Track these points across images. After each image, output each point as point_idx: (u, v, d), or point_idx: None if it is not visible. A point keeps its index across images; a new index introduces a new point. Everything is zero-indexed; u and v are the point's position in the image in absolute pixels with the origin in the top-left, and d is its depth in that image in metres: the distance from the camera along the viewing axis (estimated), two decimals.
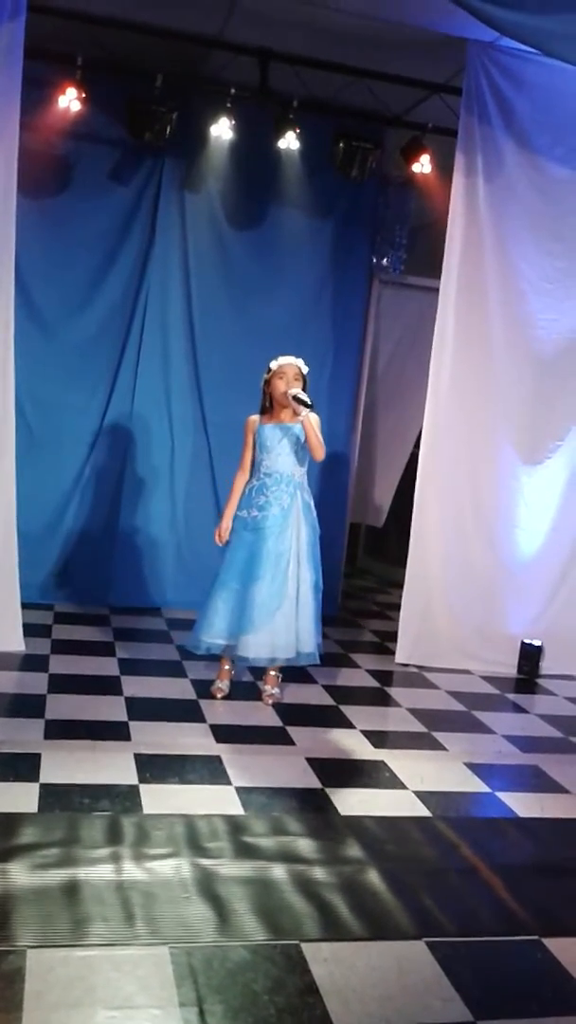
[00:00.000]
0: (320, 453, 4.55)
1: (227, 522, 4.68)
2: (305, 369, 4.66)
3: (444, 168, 6.07)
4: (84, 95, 5.65)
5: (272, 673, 4.84)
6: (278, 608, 4.51)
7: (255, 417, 4.74)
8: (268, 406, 4.69)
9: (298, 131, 6.06)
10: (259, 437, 4.66)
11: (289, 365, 4.61)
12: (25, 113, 5.05)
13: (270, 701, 4.77)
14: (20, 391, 5.31)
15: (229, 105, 5.92)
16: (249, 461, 4.72)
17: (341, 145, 6.13)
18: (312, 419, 4.53)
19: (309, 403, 4.50)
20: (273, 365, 4.65)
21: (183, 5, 5.31)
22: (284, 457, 4.61)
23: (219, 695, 4.75)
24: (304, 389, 4.60)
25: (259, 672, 4.95)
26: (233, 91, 5.89)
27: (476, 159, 5.63)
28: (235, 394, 6.54)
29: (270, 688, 4.82)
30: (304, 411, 4.48)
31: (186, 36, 5.66)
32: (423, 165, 6.28)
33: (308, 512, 4.67)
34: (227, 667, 4.82)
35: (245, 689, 4.96)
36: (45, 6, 5.11)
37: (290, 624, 4.55)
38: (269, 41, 5.72)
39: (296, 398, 4.50)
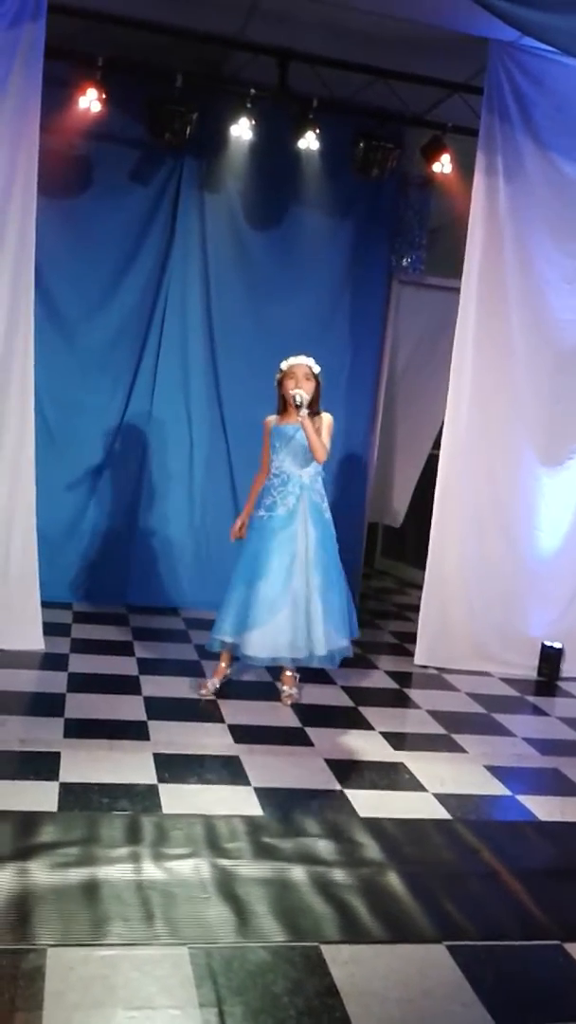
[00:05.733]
0: (320, 454, 4.52)
1: (241, 519, 4.78)
2: (316, 369, 4.64)
3: (464, 168, 6.05)
4: (104, 95, 5.66)
5: (288, 673, 4.83)
6: (280, 608, 4.48)
7: (272, 418, 4.76)
8: (282, 407, 4.69)
9: (318, 131, 6.05)
10: (272, 438, 4.69)
11: (299, 365, 4.62)
12: (45, 113, 5.08)
13: (288, 701, 4.77)
14: (40, 391, 5.33)
15: (249, 105, 5.92)
16: (267, 461, 4.73)
17: (361, 145, 6.12)
18: (325, 419, 4.57)
19: (298, 403, 4.48)
20: (284, 366, 4.66)
21: (203, 5, 5.31)
22: (291, 458, 4.62)
23: (203, 691, 4.71)
24: (317, 389, 4.60)
25: (277, 672, 4.94)
26: (253, 91, 5.89)
27: (496, 159, 5.61)
28: (253, 394, 6.54)
29: (288, 688, 4.82)
30: (303, 411, 4.47)
31: (206, 36, 5.67)
32: (443, 165, 6.26)
33: (317, 513, 4.63)
34: (223, 665, 4.79)
35: (263, 689, 4.95)
36: (66, 6, 5.12)
37: (297, 625, 4.51)
38: (289, 41, 5.71)
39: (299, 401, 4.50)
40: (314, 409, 4.59)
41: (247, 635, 4.51)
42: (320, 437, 4.52)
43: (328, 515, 4.71)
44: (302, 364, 4.62)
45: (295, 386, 4.55)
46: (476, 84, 5.76)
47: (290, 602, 4.51)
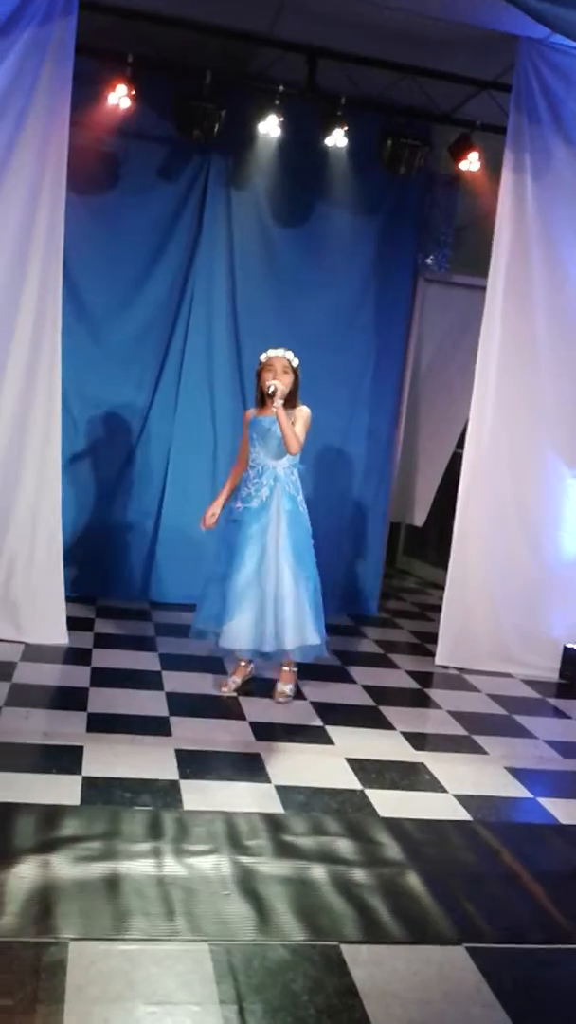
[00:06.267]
0: (293, 446, 4.50)
1: (210, 509, 4.77)
2: (295, 363, 4.62)
3: (491, 166, 6.01)
4: (133, 92, 5.67)
5: (286, 669, 4.80)
6: (250, 600, 4.48)
7: (251, 410, 4.77)
8: (260, 399, 4.69)
9: (345, 128, 6.03)
10: (250, 430, 4.70)
11: (277, 358, 4.60)
12: (75, 110, 5.09)
13: (282, 699, 4.72)
14: (66, 387, 5.35)
15: (277, 102, 5.91)
16: (244, 454, 4.74)
17: (389, 143, 6.10)
18: (302, 412, 4.59)
19: (271, 393, 4.49)
20: (262, 358, 4.65)
21: (233, 2, 5.31)
22: (266, 450, 4.62)
23: (224, 689, 4.74)
24: (296, 382, 4.60)
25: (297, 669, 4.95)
26: (281, 88, 5.87)
27: (525, 157, 5.57)
28: None
29: (282, 685, 4.78)
30: (278, 403, 4.46)
31: (235, 33, 5.67)
32: (471, 163, 6.23)
33: (292, 505, 4.61)
34: (243, 663, 4.82)
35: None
36: (97, 3, 5.14)
37: (265, 617, 4.50)
38: (318, 38, 5.70)
39: (273, 392, 4.50)
40: (293, 402, 4.59)
41: (226, 628, 4.52)
42: (294, 429, 4.51)
43: (303, 508, 4.69)
44: (280, 357, 4.60)
45: (272, 378, 4.54)
46: (505, 81, 5.72)
47: (259, 594, 4.50)
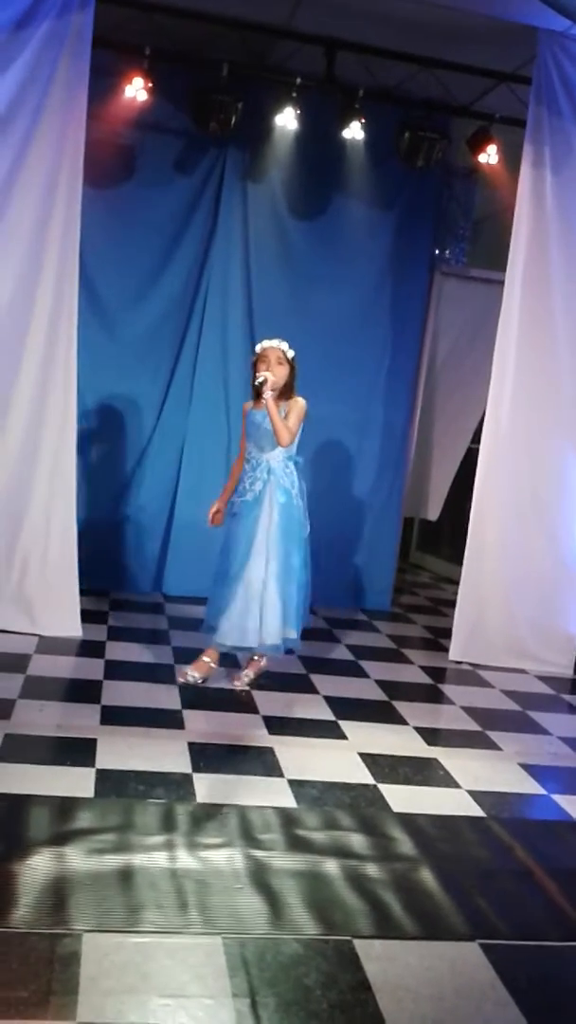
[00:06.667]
0: (283, 438, 4.42)
1: (214, 506, 4.75)
2: (290, 353, 4.54)
3: (510, 159, 5.98)
4: (150, 85, 5.67)
5: (255, 658, 4.77)
6: (236, 593, 4.46)
7: (248, 403, 4.71)
8: (256, 392, 4.58)
9: (363, 121, 6.01)
10: (247, 423, 4.65)
11: (271, 349, 4.52)
12: (92, 103, 5.09)
13: (237, 684, 4.68)
14: (81, 380, 5.34)
15: (294, 95, 5.89)
16: (244, 447, 4.71)
17: (407, 135, 6.07)
18: (296, 403, 4.49)
19: (257, 383, 4.44)
20: (257, 349, 4.59)
21: None
22: (260, 443, 4.56)
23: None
24: (292, 373, 4.53)
25: (313, 664, 4.94)
26: (299, 81, 5.86)
27: (544, 150, 5.54)
28: None
29: (247, 670, 4.76)
30: (267, 394, 4.40)
31: (253, 26, 5.66)
32: (489, 156, 6.20)
33: (286, 499, 4.53)
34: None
35: (296, 681, 4.96)
36: None
37: (250, 612, 4.46)
38: (336, 30, 5.67)
39: (260, 384, 4.44)
40: (289, 394, 4.52)
41: (220, 622, 4.51)
42: (286, 421, 4.43)
43: (298, 501, 4.59)
44: (274, 348, 4.52)
45: (266, 369, 4.47)
46: (525, 74, 5.68)
47: (244, 588, 4.47)
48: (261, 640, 4.51)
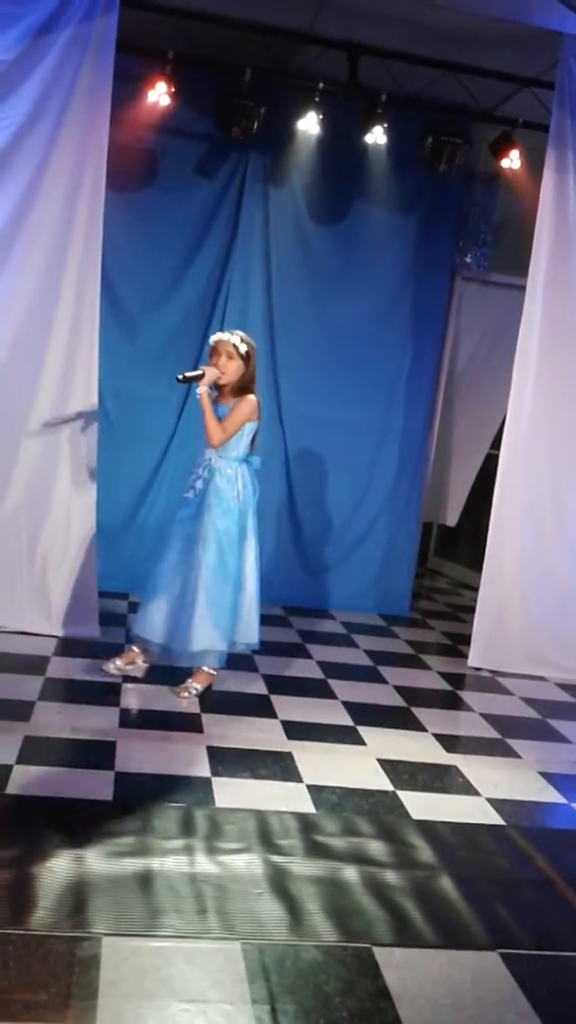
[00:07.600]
0: (213, 437, 4.29)
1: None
2: (243, 348, 4.32)
3: (532, 164, 5.95)
4: (173, 90, 5.68)
5: (205, 669, 4.49)
6: (162, 590, 4.41)
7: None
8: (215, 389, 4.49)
9: (385, 126, 6.00)
10: None
11: (221, 343, 4.33)
12: (115, 107, 5.07)
13: (184, 695, 4.41)
14: (101, 383, 5.35)
15: (317, 99, 5.89)
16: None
17: (429, 140, 6.05)
18: (242, 401, 4.31)
19: (179, 379, 4.31)
20: (211, 341, 4.42)
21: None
22: (203, 441, 4.46)
23: (109, 668, 4.59)
24: (248, 366, 4.35)
25: (328, 670, 4.92)
26: (322, 85, 5.85)
27: (567, 155, 5.50)
28: (312, 389, 6.56)
29: (192, 681, 4.47)
30: (201, 389, 4.26)
31: (276, 30, 5.66)
32: (512, 161, 6.17)
33: (223, 501, 4.36)
34: (135, 650, 4.66)
35: (316, 687, 4.95)
36: (138, 0, 5.14)
37: (174, 611, 4.38)
38: (358, 35, 5.67)
39: (185, 378, 4.32)
40: (242, 392, 4.36)
41: (137, 614, 4.47)
42: (221, 419, 4.29)
43: (237, 504, 4.38)
44: (225, 341, 4.32)
45: (216, 363, 4.32)
46: (548, 79, 5.65)
47: (171, 587, 4.41)
48: (188, 645, 4.35)
